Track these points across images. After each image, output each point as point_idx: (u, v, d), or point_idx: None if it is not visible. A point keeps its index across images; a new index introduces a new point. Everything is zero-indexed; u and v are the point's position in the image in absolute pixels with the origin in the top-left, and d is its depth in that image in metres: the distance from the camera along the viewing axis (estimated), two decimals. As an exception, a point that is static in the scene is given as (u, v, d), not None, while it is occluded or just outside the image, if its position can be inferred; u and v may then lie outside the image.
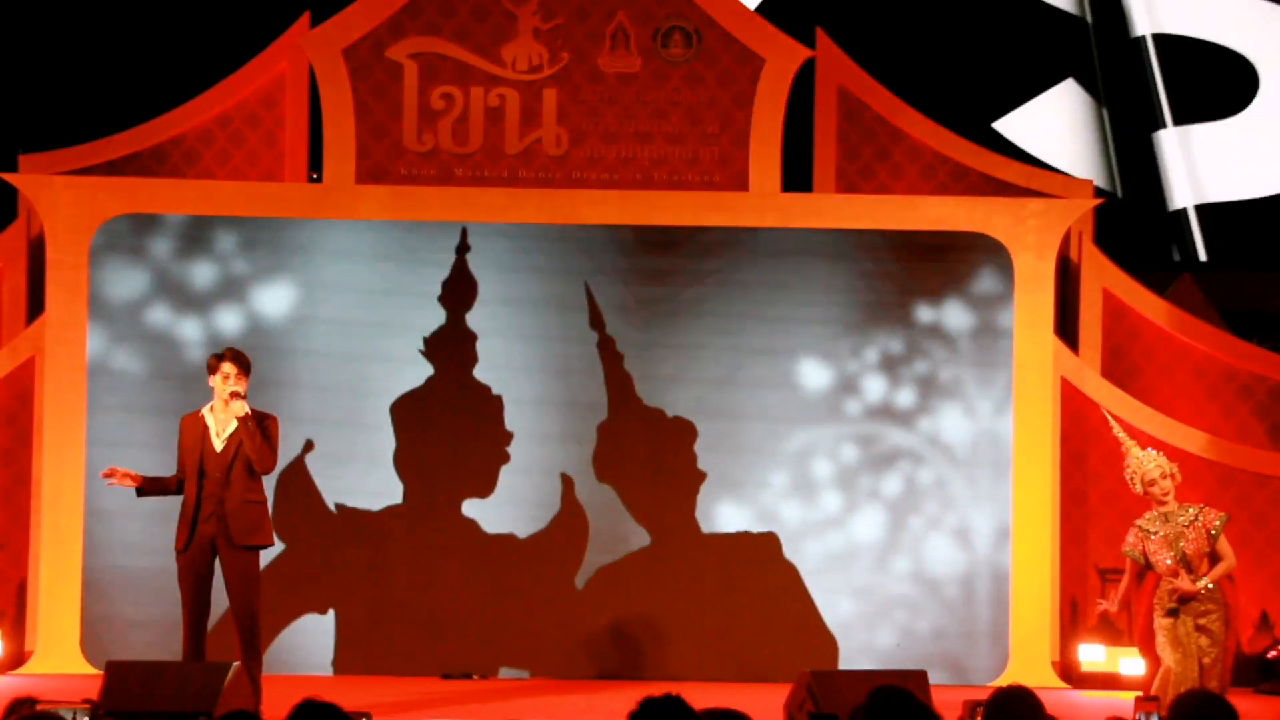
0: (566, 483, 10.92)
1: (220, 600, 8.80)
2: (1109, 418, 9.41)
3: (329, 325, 10.97)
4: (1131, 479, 8.64)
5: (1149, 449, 8.70)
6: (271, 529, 8.81)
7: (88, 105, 13.21)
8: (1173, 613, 8.43)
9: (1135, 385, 11.19)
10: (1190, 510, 8.52)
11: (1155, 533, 8.49)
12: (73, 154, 11.18)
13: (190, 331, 10.92)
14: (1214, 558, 8.48)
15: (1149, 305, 11.28)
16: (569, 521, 10.92)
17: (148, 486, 8.70)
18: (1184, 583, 8.38)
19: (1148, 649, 8.66)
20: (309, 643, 10.84)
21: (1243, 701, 8.99)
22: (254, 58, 11.30)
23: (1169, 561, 8.43)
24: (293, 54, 11.24)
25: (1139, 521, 8.57)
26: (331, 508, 10.93)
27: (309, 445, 10.83)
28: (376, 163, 11.20)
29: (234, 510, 8.56)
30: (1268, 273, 13.19)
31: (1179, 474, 8.60)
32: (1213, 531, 8.44)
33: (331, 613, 10.93)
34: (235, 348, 8.89)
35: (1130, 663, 10.75)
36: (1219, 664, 8.47)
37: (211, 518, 8.57)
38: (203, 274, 11.00)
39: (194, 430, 8.69)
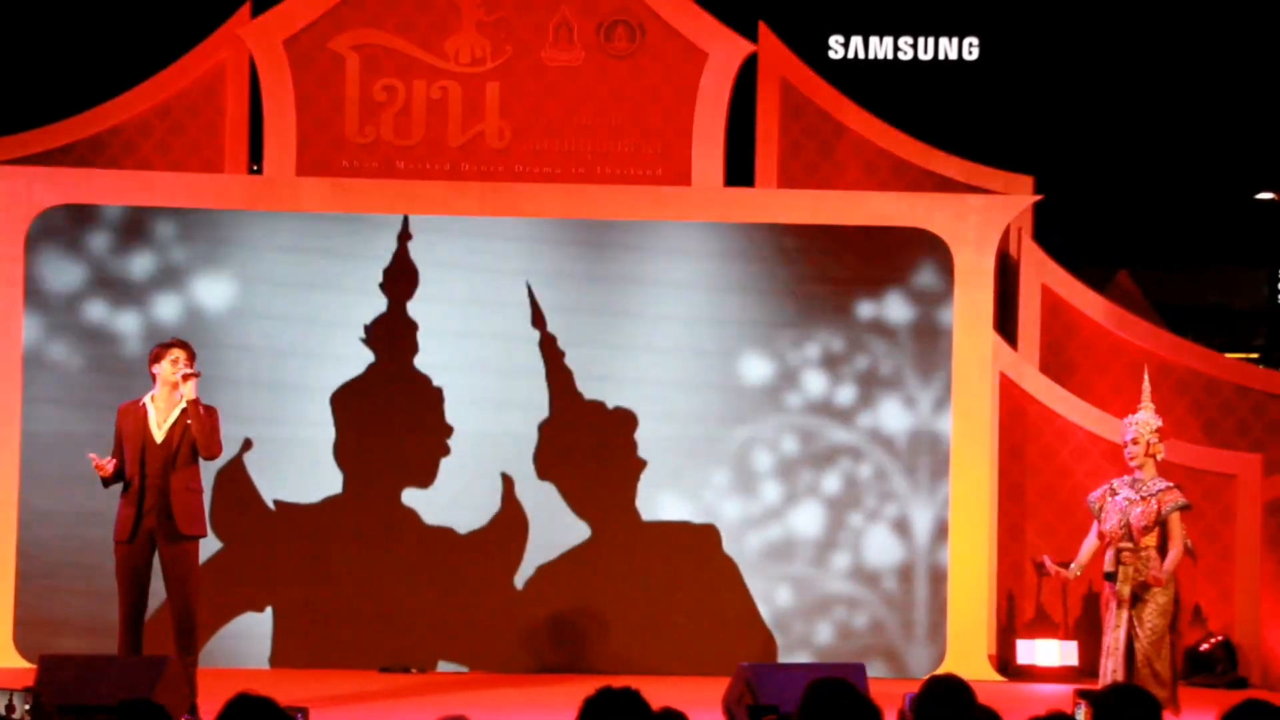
0: (507, 482, 10.90)
1: (157, 593, 8.74)
2: (1146, 373, 9.52)
3: (268, 317, 10.90)
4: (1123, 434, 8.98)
5: (1145, 414, 8.90)
6: (206, 520, 8.77)
7: (24, 94, 13.10)
8: (1110, 577, 8.64)
9: (1073, 380, 11.27)
10: (1158, 485, 8.71)
11: (1118, 494, 8.71)
12: (8, 143, 11.07)
13: (128, 323, 10.84)
14: (1163, 539, 8.67)
15: (1086, 301, 11.36)
16: (509, 519, 10.90)
17: (113, 479, 8.64)
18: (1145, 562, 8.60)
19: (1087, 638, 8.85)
20: (247, 637, 10.78)
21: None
22: (194, 48, 11.21)
23: (1114, 524, 8.63)
24: (233, 44, 11.17)
25: (1115, 480, 8.87)
26: (270, 504, 10.87)
27: (248, 444, 10.76)
28: (318, 155, 11.14)
29: (175, 501, 8.52)
30: (1202, 269, 13.34)
31: (1159, 449, 8.80)
32: (1164, 511, 8.62)
33: (269, 608, 10.87)
34: (180, 338, 8.92)
35: (1067, 655, 10.85)
36: (1162, 650, 8.60)
37: (153, 509, 8.52)
38: (141, 265, 10.91)
39: (134, 419, 8.64)
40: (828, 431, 10.99)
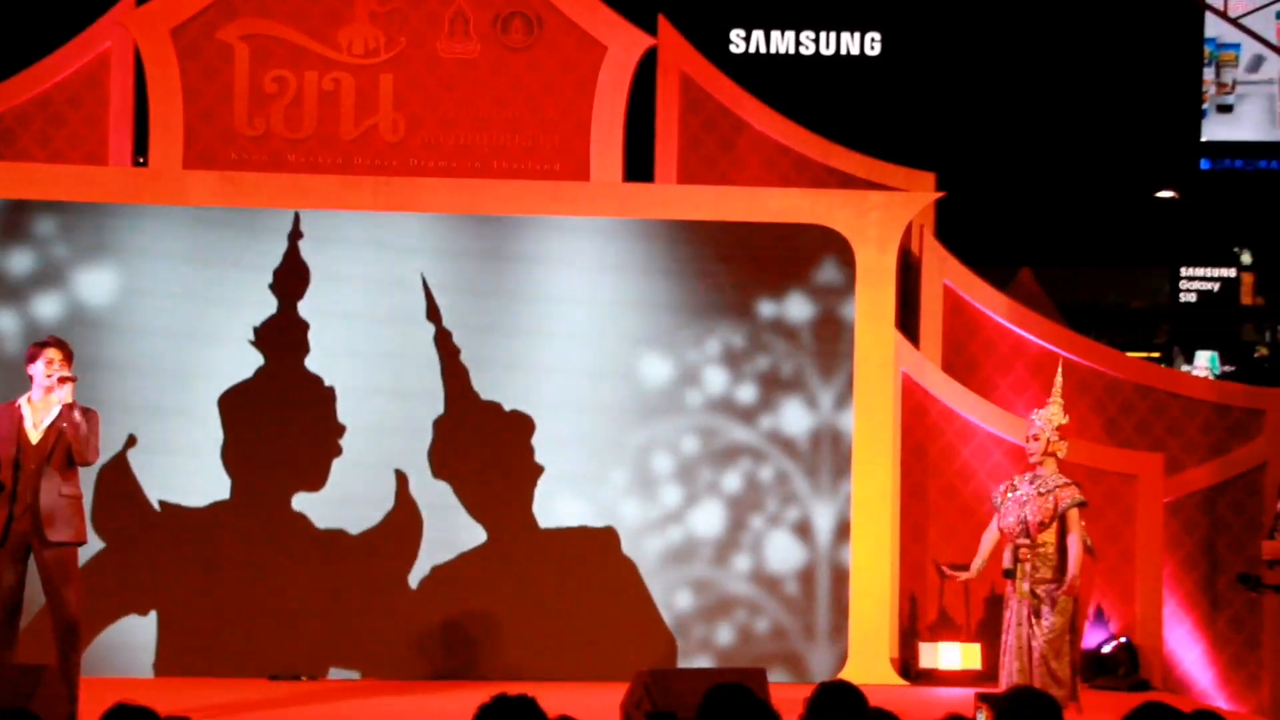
0: (401, 479, 10.67)
1: (33, 599, 8.44)
2: (1060, 368, 9.46)
3: (153, 314, 10.61)
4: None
5: (1051, 410, 8.88)
6: (85, 525, 8.48)
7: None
8: (1009, 574, 8.66)
9: (975, 379, 11.23)
10: (1056, 481, 8.71)
11: (1018, 489, 8.72)
12: (-119, 133, 10.73)
13: (6, 321, 10.51)
14: (1062, 536, 8.67)
15: (988, 299, 11.32)
16: (403, 518, 10.68)
17: None
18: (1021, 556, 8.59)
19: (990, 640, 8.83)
20: (129, 644, 10.48)
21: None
22: (76, 36, 10.93)
23: (1012, 521, 8.64)
24: (118, 33, 10.89)
25: (1016, 476, 8.92)
26: (155, 504, 10.56)
27: (131, 440, 10.48)
28: (206, 147, 10.88)
29: (49, 505, 8.27)
30: (1105, 268, 13.37)
31: (1060, 447, 8.83)
32: (1060, 506, 8.64)
33: (154, 613, 10.56)
34: (58, 336, 8.62)
35: (970, 658, 10.79)
36: (1060, 649, 8.57)
37: (26, 513, 8.25)
38: (20, 261, 10.59)
39: (8, 421, 8.40)
40: (728, 430, 10.85)
